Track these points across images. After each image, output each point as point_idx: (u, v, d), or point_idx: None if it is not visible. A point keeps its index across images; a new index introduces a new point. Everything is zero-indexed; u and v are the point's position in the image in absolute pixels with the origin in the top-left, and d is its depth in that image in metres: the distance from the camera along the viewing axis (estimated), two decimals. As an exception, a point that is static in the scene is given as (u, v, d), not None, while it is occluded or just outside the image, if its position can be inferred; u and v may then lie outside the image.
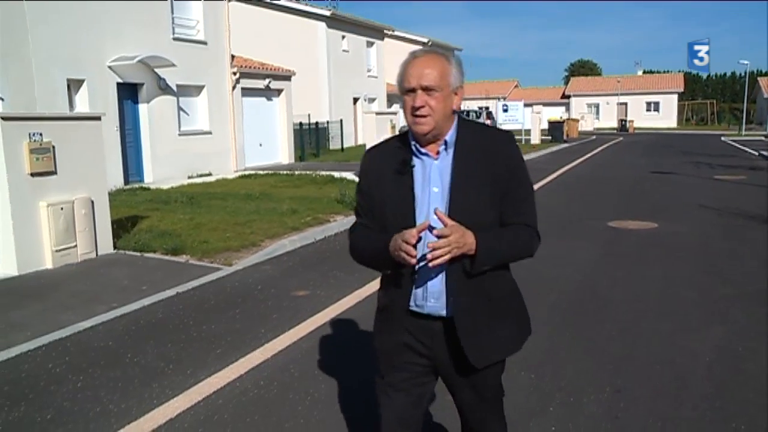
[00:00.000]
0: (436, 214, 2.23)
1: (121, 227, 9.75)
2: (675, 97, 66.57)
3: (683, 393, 4.38)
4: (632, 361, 4.96)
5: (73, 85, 15.65)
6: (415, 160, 2.41)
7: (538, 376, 4.67)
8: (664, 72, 74.02)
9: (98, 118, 8.69)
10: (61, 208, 7.94)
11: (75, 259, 8.17)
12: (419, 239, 2.25)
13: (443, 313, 2.40)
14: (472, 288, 2.37)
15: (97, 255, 8.49)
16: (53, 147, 7.88)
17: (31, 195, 7.74)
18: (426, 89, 2.28)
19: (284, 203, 12.10)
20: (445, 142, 2.38)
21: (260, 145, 22.94)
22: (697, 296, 6.61)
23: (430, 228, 2.25)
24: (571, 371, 4.77)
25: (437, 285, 2.38)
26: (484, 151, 2.39)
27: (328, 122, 28.99)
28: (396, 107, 37.10)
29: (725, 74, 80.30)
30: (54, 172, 7.95)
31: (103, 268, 8.03)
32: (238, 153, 21.31)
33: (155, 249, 8.80)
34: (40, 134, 7.74)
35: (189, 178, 18.83)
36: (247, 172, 20.10)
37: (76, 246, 8.17)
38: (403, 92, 2.36)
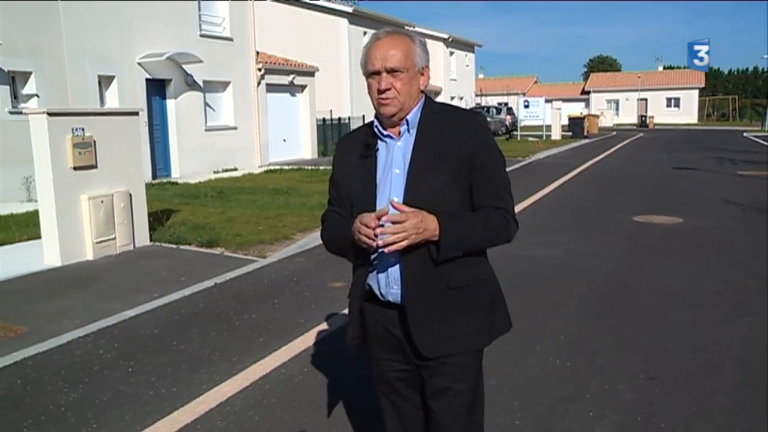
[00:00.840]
0: (392, 204, 2.14)
1: (156, 220, 9.98)
2: (696, 92, 66.11)
3: (716, 381, 4.50)
4: (663, 350, 5.08)
5: (104, 81, 15.95)
6: (380, 143, 2.36)
7: (573, 364, 4.81)
8: (685, 68, 73.45)
9: (136, 114, 8.90)
10: (102, 201, 8.18)
11: (114, 250, 8.40)
12: (381, 224, 2.17)
13: (399, 300, 2.34)
14: (429, 275, 2.27)
15: (134, 247, 8.72)
16: (94, 141, 8.11)
17: (74, 188, 7.97)
18: (391, 71, 2.23)
19: (312, 198, 12.32)
20: (407, 122, 2.31)
21: (284, 140, 23.16)
22: (723, 289, 6.72)
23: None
24: (605, 360, 4.90)
25: (398, 271, 2.30)
26: (448, 131, 2.30)
27: (349, 118, 29.16)
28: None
29: (747, 69, 79.66)
30: (95, 166, 8.17)
31: (141, 260, 8.26)
32: (262, 148, 21.52)
33: (190, 241, 9.03)
34: (82, 129, 7.97)
35: (215, 173, 19.08)
36: (272, 167, 20.34)
37: (115, 238, 8.40)
38: (367, 75, 2.29)
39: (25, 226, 9.81)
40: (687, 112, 65.47)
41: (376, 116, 2.36)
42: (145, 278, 7.45)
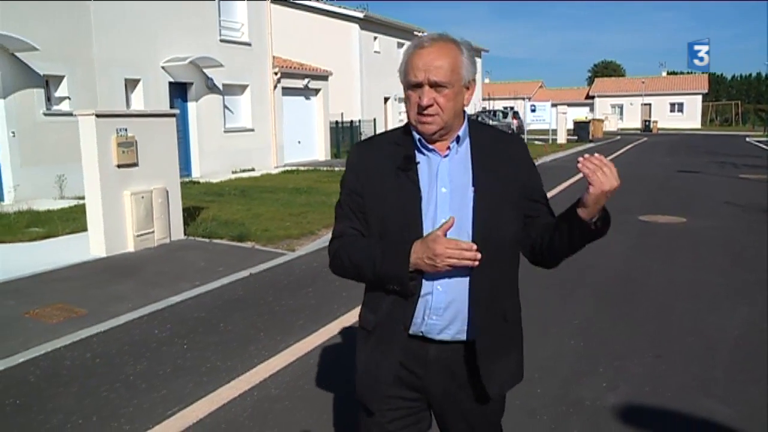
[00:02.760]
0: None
1: (189, 216, 10.53)
2: (699, 98, 66.51)
3: (715, 359, 5.02)
4: (668, 334, 5.60)
5: (130, 85, 16.55)
6: (420, 157, 2.10)
7: (586, 345, 5.34)
8: (688, 73, 73.91)
9: (173, 116, 9.48)
10: (142, 197, 8.73)
11: (152, 243, 8.96)
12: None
13: (445, 336, 2.11)
14: (491, 307, 2.11)
15: (170, 240, 9.26)
16: (136, 141, 8.67)
17: (118, 185, 8.54)
18: (435, 85, 1.97)
19: (332, 197, 12.83)
20: (458, 138, 2.09)
21: (299, 142, 23.77)
22: (725, 281, 7.23)
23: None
24: (615, 341, 5.42)
25: (443, 299, 2.06)
26: (502, 152, 2.14)
27: (360, 121, 29.74)
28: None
29: (750, 75, 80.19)
30: (136, 164, 8.73)
31: (178, 252, 8.81)
32: (278, 149, 22.13)
33: (222, 236, 9.58)
34: (125, 129, 8.53)
35: (233, 173, 19.67)
36: (288, 168, 20.96)
37: (153, 231, 8.96)
38: (407, 86, 2.03)
39: (65, 221, 10.38)
40: (690, 117, 65.91)
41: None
42: (184, 268, 7.99)
